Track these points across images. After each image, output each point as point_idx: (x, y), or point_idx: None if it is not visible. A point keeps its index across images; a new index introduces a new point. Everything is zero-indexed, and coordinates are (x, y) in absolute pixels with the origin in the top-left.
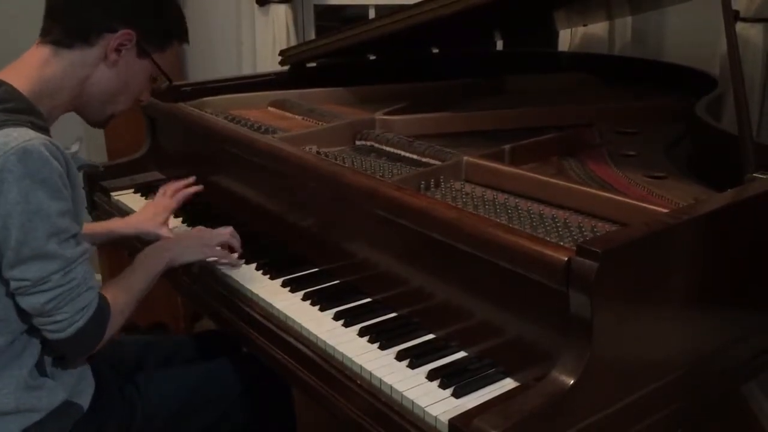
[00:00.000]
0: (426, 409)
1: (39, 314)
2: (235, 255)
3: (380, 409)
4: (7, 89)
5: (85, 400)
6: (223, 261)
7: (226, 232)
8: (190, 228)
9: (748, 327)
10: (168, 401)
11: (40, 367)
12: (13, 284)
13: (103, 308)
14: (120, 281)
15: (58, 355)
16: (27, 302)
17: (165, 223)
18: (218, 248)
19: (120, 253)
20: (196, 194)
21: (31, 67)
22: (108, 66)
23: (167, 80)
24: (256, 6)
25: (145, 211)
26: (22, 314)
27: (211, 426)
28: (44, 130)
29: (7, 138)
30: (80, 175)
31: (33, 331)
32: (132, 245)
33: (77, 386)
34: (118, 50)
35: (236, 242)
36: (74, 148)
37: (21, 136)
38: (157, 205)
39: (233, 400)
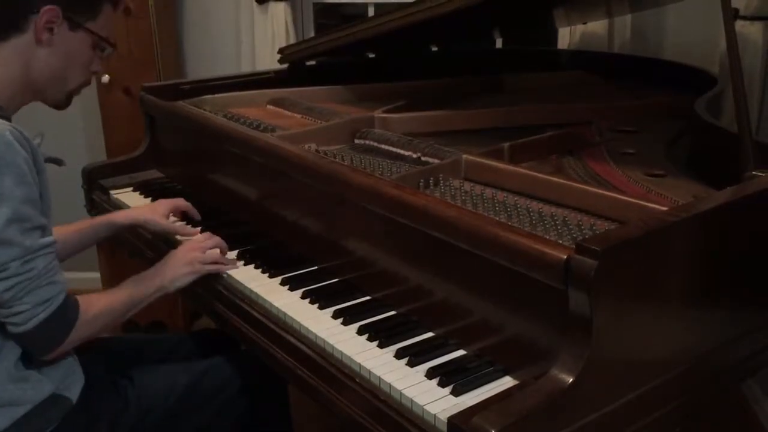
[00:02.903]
0: (425, 407)
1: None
2: (228, 255)
3: (379, 407)
4: None
5: (73, 393)
6: (220, 269)
7: (203, 241)
8: (187, 224)
9: (747, 324)
10: (163, 396)
11: (25, 360)
12: None
13: (69, 306)
14: (101, 294)
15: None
16: None
17: (166, 215)
18: (209, 262)
19: (119, 253)
20: (195, 193)
21: None
22: (45, 47)
23: (111, 46)
24: (255, 4)
25: (147, 204)
26: None
27: (207, 423)
28: (6, 120)
29: None
30: (48, 169)
31: None
32: (132, 245)
33: (65, 380)
34: (49, 29)
35: (222, 243)
36: (36, 140)
37: None
38: (159, 201)
39: (229, 397)
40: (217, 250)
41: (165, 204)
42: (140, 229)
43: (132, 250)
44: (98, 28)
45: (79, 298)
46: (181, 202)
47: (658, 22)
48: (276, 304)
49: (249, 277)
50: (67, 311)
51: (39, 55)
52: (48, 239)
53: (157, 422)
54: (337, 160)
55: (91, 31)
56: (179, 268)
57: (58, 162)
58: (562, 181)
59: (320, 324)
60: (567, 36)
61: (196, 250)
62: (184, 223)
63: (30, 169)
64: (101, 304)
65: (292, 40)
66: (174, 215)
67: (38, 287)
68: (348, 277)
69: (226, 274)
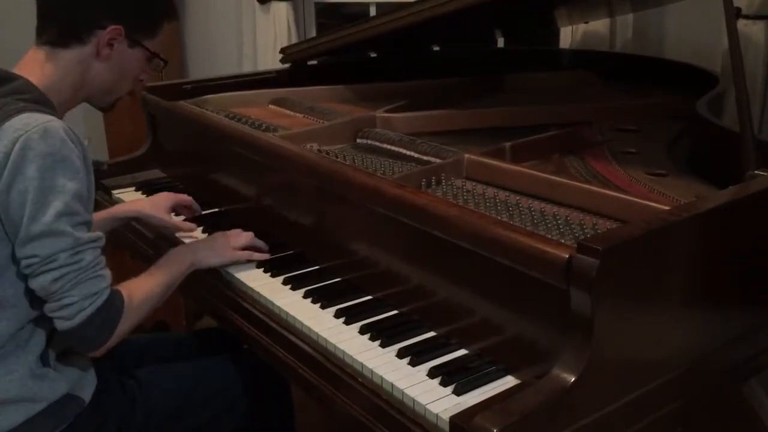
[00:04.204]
0: (427, 406)
1: (47, 296)
2: (265, 256)
3: (381, 406)
4: (24, 82)
5: (86, 394)
6: (252, 256)
7: (249, 234)
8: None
9: (748, 324)
10: (168, 396)
11: (44, 358)
12: (23, 263)
13: (114, 301)
14: (139, 279)
15: (64, 348)
16: (36, 283)
17: (168, 210)
18: (244, 251)
19: (121, 253)
20: (197, 193)
21: (33, 68)
22: (102, 61)
23: (163, 62)
24: (257, 4)
25: (149, 198)
26: (33, 301)
27: (210, 421)
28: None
29: (30, 119)
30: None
31: (39, 320)
32: (134, 244)
33: (80, 380)
34: (110, 45)
35: (261, 243)
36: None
37: (42, 118)
38: (162, 195)
39: (233, 396)
40: (251, 240)
41: (167, 198)
42: (139, 225)
43: (134, 251)
44: (154, 45)
45: (120, 288)
46: (183, 197)
47: (660, 22)
48: (278, 303)
49: (251, 277)
50: (113, 304)
51: (95, 67)
52: (96, 234)
53: (160, 421)
54: (339, 159)
55: (148, 49)
56: (213, 248)
57: (100, 165)
58: (563, 180)
59: (322, 323)
60: (569, 35)
61: (232, 237)
62: (183, 218)
63: (81, 166)
64: (143, 291)
65: (294, 40)
66: (175, 211)
67: (86, 279)
68: (350, 277)
69: (229, 273)
